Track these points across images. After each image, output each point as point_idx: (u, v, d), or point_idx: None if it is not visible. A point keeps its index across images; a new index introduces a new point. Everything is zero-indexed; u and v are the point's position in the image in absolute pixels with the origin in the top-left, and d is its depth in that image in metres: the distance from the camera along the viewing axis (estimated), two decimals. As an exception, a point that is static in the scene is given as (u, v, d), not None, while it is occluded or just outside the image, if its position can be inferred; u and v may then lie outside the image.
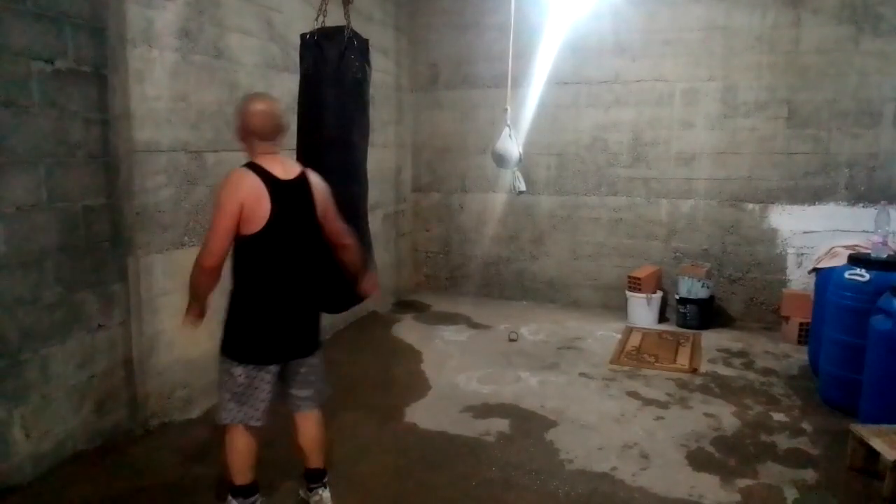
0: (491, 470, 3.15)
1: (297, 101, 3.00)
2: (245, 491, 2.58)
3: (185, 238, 3.65)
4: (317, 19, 2.77)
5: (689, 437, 3.50)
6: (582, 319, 5.76)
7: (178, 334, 3.63)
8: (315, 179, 2.52)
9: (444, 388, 4.21)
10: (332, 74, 2.70)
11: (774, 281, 5.53)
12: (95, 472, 3.05)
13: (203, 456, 3.26)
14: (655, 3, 5.60)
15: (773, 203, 5.48)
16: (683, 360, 4.73)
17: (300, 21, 4.40)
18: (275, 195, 2.34)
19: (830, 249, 4.46)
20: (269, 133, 2.41)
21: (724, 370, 4.53)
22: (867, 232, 4.58)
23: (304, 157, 2.87)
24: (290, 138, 3.84)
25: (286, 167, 2.44)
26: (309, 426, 2.71)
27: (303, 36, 2.78)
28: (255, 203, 2.31)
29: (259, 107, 2.42)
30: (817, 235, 5.31)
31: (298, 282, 2.50)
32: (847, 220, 5.24)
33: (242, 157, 4.09)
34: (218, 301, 2.48)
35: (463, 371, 4.48)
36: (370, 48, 2.97)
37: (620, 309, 5.80)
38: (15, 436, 2.87)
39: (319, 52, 2.70)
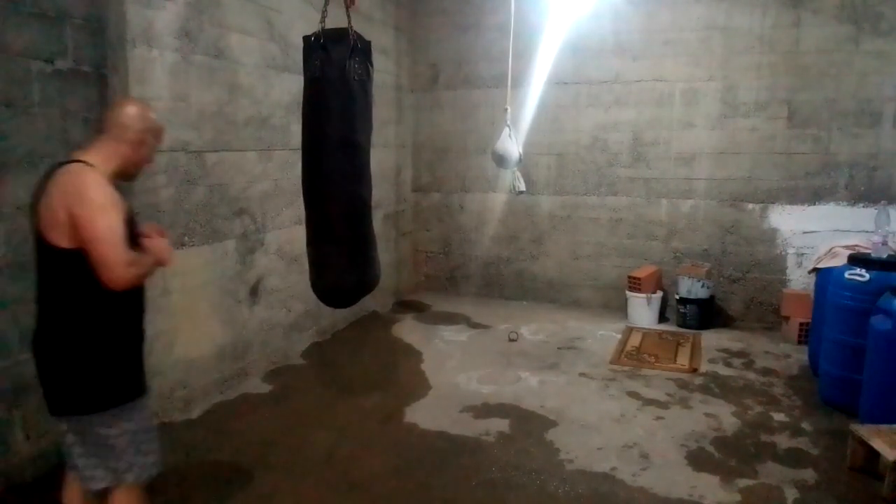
0: (491, 470, 3.15)
1: (299, 102, 3.00)
2: None
3: (186, 238, 3.65)
4: (321, 21, 2.76)
5: (689, 437, 3.50)
6: (582, 319, 5.76)
7: (179, 335, 3.64)
8: (62, 176, 1.92)
9: (444, 388, 4.21)
10: (337, 76, 2.70)
11: (774, 281, 5.53)
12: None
13: (203, 456, 3.26)
14: (655, 3, 5.60)
15: (773, 203, 5.48)
16: (683, 360, 4.72)
17: (300, 21, 4.41)
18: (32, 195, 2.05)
19: (830, 249, 4.45)
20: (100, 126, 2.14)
21: (724, 370, 4.53)
22: (867, 232, 4.58)
23: (309, 159, 2.87)
24: (296, 140, 3.84)
25: (65, 159, 2.04)
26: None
27: (306, 38, 2.78)
28: None
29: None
30: (817, 235, 5.30)
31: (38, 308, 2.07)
32: (847, 220, 5.24)
33: (243, 158, 4.13)
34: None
35: (463, 371, 4.48)
36: (372, 49, 2.98)
37: (620, 309, 5.80)
38: (15, 436, 2.87)
39: (324, 54, 2.70)
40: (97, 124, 2.11)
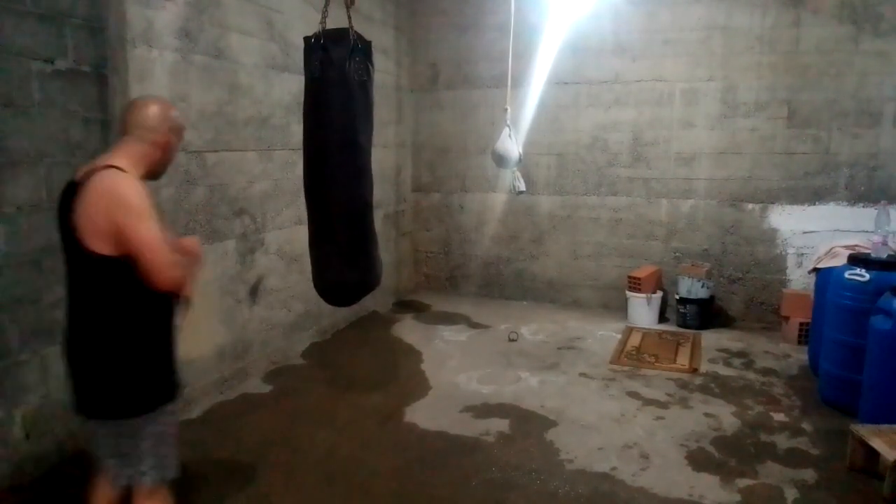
0: (491, 470, 3.15)
1: (299, 102, 3.01)
2: None
3: (186, 238, 3.65)
4: (321, 21, 2.77)
5: (689, 437, 3.50)
6: (582, 319, 5.76)
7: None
8: (98, 183, 1.87)
9: (444, 388, 4.21)
10: (337, 77, 2.70)
11: (774, 281, 5.53)
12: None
13: (203, 456, 3.26)
14: (655, 3, 5.60)
15: (773, 203, 5.48)
16: (683, 360, 4.72)
17: (300, 21, 4.42)
18: (59, 200, 2.00)
19: (830, 249, 4.45)
20: (121, 126, 2.07)
21: (724, 370, 4.52)
22: (867, 232, 4.57)
23: (311, 159, 2.88)
24: (296, 140, 3.83)
25: (94, 163, 1.97)
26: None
27: (307, 39, 2.78)
28: None
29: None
30: (817, 235, 5.30)
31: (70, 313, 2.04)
32: (847, 220, 5.24)
33: (243, 158, 4.13)
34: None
35: (463, 371, 4.48)
36: (372, 49, 2.98)
37: (620, 309, 5.80)
38: (15, 436, 2.87)
39: (325, 55, 2.71)
40: (120, 126, 2.06)
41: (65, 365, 2.05)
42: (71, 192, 1.94)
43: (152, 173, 2.08)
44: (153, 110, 2.03)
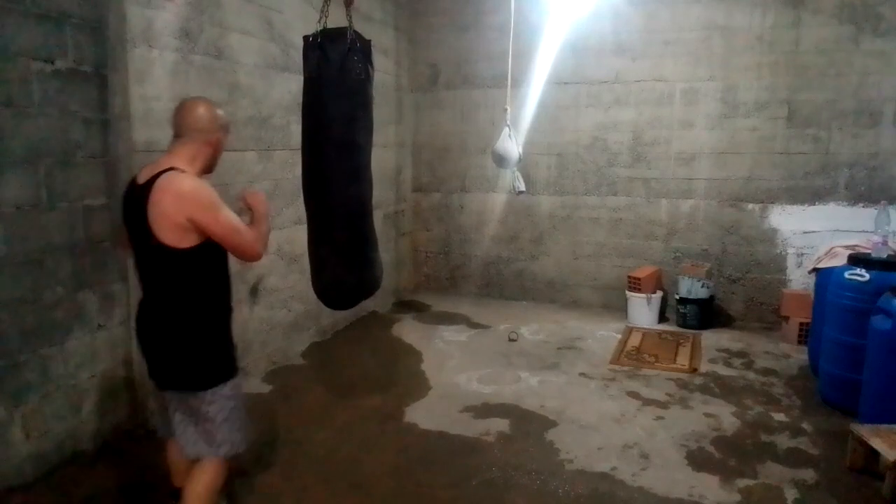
0: (491, 470, 3.15)
1: (299, 102, 3.00)
2: None
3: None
4: (319, 21, 2.77)
5: (689, 437, 3.50)
6: (582, 319, 5.76)
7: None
8: (166, 185, 2.06)
9: (444, 388, 4.21)
10: (336, 76, 2.69)
11: (774, 281, 5.53)
12: (95, 473, 3.05)
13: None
14: (655, 3, 5.60)
15: (773, 203, 5.48)
16: (683, 360, 4.72)
17: (300, 21, 4.41)
18: (124, 201, 2.23)
19: (830, 249, 4.45)
20: (174, 129, 2.22)
21: (724, 370, 4.53)
22: (867, 232, 4.57)
23: (309, 159, 2.87)
24: (296, 140, 3.82)
25: (153, 168, 2.13)
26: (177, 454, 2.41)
27: (306, 38, 2.78)
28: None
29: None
30: (817, 235, 5.31)
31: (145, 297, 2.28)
32: (847, 220, 5.24)
33: (242, 158, 4.13)
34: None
35: (463, 371, 4.48)
36: (372, 49, 2.98)
37: (620, 309, 5.80)
38: (15, 436, 2.87)
39: (323, 54, 2.70)
40: (174, 128, 2.21)
41: (139, 343, 2.30)
42: (136, 193, 2.12)
43: (207, 168, 2.27)
44: (202, 112, 2.21)
